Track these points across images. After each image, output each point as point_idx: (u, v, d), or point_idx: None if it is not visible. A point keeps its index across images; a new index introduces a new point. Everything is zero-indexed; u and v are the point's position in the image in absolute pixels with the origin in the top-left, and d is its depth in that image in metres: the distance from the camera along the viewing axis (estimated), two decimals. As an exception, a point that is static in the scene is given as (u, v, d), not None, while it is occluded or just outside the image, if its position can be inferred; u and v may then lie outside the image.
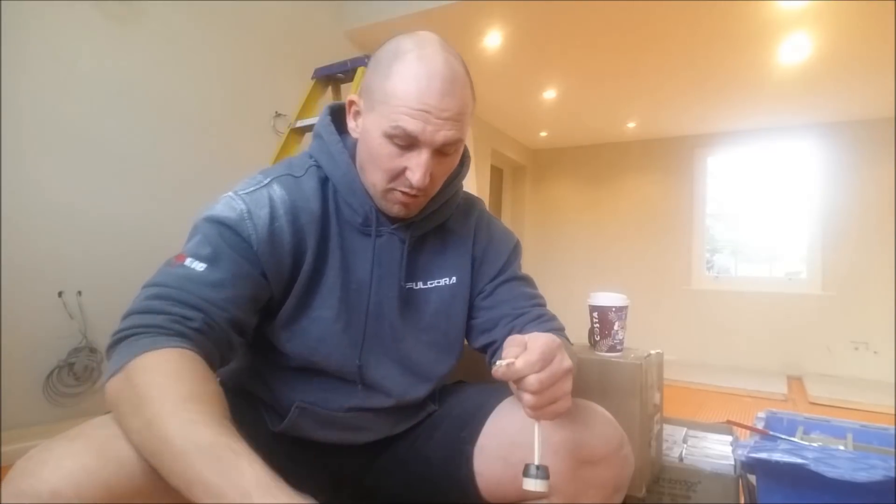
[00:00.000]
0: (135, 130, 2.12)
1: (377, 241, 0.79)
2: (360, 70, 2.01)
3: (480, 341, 0.87)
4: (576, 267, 5.28)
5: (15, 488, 0.48)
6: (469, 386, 0.94)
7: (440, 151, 0.72)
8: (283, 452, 0.79)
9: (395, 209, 0.76)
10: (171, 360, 0.57)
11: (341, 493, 0.86)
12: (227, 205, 0.72)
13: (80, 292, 1.94)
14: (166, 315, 0.61)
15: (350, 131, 0.79)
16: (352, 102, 0.78)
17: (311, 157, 0.81)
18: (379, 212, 0.79)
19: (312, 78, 2.17)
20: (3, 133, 1.76)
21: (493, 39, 3.06)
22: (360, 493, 0.87)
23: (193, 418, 0.50)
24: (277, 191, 0.75)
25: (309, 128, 2.07)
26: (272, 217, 0.72)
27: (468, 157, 0.90)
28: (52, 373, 1.87)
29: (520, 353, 0.59)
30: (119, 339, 0.60)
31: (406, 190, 0.73)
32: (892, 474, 0.88)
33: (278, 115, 2.67)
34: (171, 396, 0.52)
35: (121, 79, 2.07)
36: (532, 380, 0.57)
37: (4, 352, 1.75)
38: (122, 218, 2.08)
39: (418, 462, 0.84)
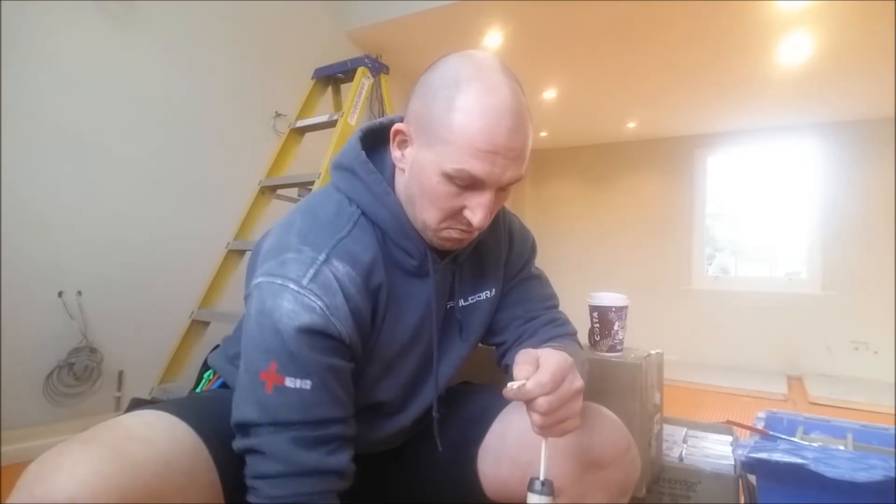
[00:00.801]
0: (135, 130, 2.12)
1: (434, 280, 0.75)
2: (360, 70, 2.01)
3: (491, 340, 0.87)
4: (576, 267, 5.28)
5: (28, 494, 0.47)
6: (474, 387, 0.94)
7: (501, 188, 0.67)
8: None
9: (446, 245, 0.71)
10: None
11: (347, 496, 0.86)
12: (301, 303, 0.63)
13: (80, 292, 1.94)
14: (320, 476, 0.62)
15: (395, 161, 0.71)
16: (398, 132, 0.69)
17: (349, 200, 0.73)
18: (431, 251, 0.74)
19: (312, 78, 2.17)
20: (3, 133, 1.76)
21: (493, 39, 3.06)
22: (366, 495, 0.87)
23: None
24: (340, 268, 0.66)
25: (309, 128, 2.07)
26: (347, 300, 0.66)
27: None
28: (52, 373, 1.87)
29: (531, 373, 0.58)
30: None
31: (463, 228, 0.68)
32: (892, 474, 0.88)
33: (278, 115, 2.67)
34: None
35: (121, 79, 2.07)
36: (542, 402, 0.57)
37: (4, 352, 1.75)
38: (122, 218, 2.08)
39: (424, 463, 0.84)
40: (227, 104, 2.47)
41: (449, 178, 0.64)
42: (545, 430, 0.59)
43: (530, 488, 0.59)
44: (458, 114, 0.62)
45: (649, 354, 1.22)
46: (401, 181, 0.72)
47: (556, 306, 0.89)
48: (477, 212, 0.65)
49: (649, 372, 1.18)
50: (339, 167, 0.75)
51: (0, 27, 1.73)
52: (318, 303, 0.63)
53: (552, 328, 0.83)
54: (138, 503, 0.50)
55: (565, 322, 0.86)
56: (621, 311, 1.21)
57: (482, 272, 0.83)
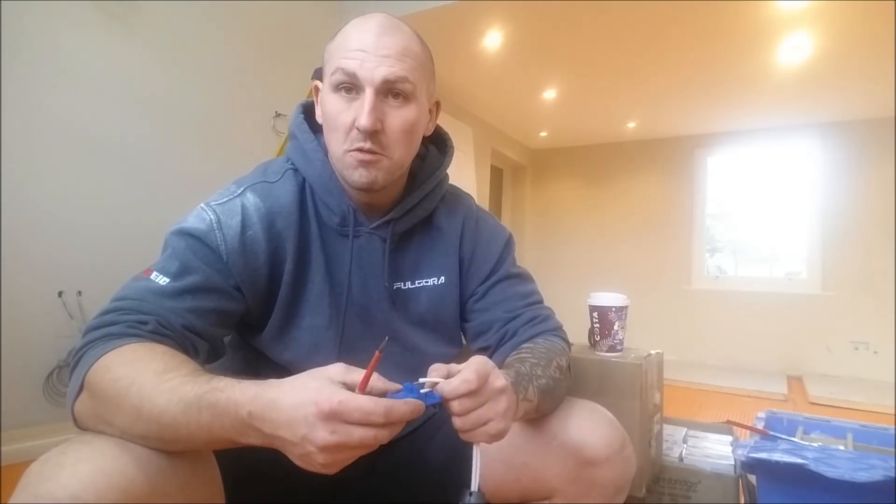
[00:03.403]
0: (135, 130, 2.12)
1: (356, 243, 0.77)
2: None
3: (477, 344, 0.86)
4: (576, 267, 5.27)
5: (32, 492, 0.47)
6: None
7: (388, 93, 0.70)
8: (285, 456, 0.80)
9: (356, 175, 0.71)
10: (129, 351, 0.57)
11: (342, 495, 0.86)
12: (198, 216, 0.71)
13: (80, 292, 1.94)
14: (119, 324, 0.60)
15: (318, 119, 0.77)
16: (316, 88, 0.77)
17: (287, 159, 0.79)
18: (357, 210, 0.77)
19: (312, 78, 2.17)
20: (2, 133, 1.76)
21: (493, 39, 3.06)
22: (360, 496, 0.87)
23: (175, 385, 0.52)
24: (251, 199, 0.73)
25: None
26: (244, 226, 0.71)
27: (451, 146, 0.87)
28: (52, 373, 1.87)
29: (445, 374, 0.56)
30: (78, 359, 0.59)
31: (360, 145, 0.69)
32: (892, 474, 0.88)
33: (278, 115, 2.67)
34: (147, 377, 0.53)
35: (121, 79, 2.07)
36: (454, 404, 0.55)
37: (4, 352, 1.75)
38: (122, 218, 2.07)
39: (418, 464, 0.84)
40: (227, 104, 2.47)
41: (335, 88, 0.70)
42: (466, 433, 0.57)
43: (462, 500, 0.57)
44: (337, 37, 0.72)
45: (649, 354, 1.22)
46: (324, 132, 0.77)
47: (539, 303, 0.87)
48: (361, 113, 0.68)
49: (649, 372, 1.18)
50: (288, 135, 0.82)
51: (0, 27, 1.73)
52: (211, 216, 0.70)
53: (532, 327, 0.82)
54: (142, 499, 0.50)
55: (546, 318, 0.85)
56: (621, 311, 1.21)
57: (431, 256, 0.83)
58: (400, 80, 0.69)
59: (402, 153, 0.74)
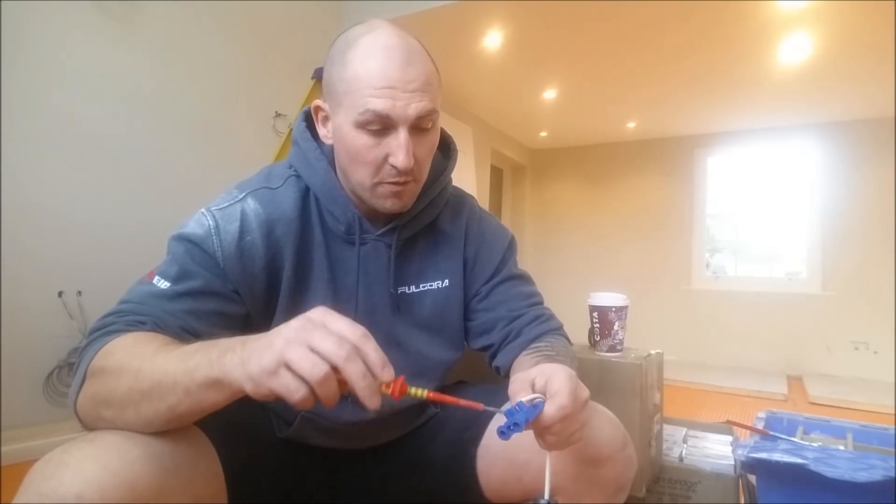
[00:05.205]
0: (135, 130, 2.12)
1: (362, 250, 0.77)
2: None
3: (479, 343, 0.87)
4: (576, 267, 5.28)
5: (36, 491, 0.47)
6: (471, 386, 0.94)
7: (417, 127, 0.69)
8: (290, 456, 0.80)
9: (388, 204, 0.72)
10: (131, 337, 0.58)
11: (346, 495, 0.86)
12: (197, 221, 0.71)
13: (79, 292, 1.94)
14: (119, 323, 0.62)
15: (322, 139, 0.76)
16: (317, 108, 0.75)
17: (290, 166, 0.79)
18: (362, 218, 0.77)
19: (312, 78, 2.17)
20: (2, 133, 1.76)
21: (493, 39, 3.06)
22: (364, 496, 0.87)
23: (172, 348, 0.54)
24: (251, 204, 0.73)
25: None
26: (242, 232, 0.71)
27: (455, 150, 0.88)
28: (52, 373, 1.87)
29: (524, 391, 0.57)
30: (80, 357, 0.59)
31: (394, 179, 0.70)
32: (892, 474, 0.88)
33: (278, 115, 2.67)
34: (146, 351, 0.54)
35: (121, 79, 2.07)
36: (557, 427, 0.56)
37: (4, 352, 1.75)
38: (122, 218, 2.08)
39: (422, 464, 0.84)
40: (227, 104, 2.47)
41: (361, 126, 0.67)
42: (555, 446, 0.58)
43: None
44: (352, 64, 0.67)
45: (649, 354, 1.22)
46: (335, 155, 0.77)
47: (541, 303, 0.88)
48: (398, 154, 0.67)
49: (649, 372, 1.18)
50: (291, 141, 0.81)
51: (0, 27, 1.73)
52: (210, 222, 0.71)
53: (536, 326, 0.83)
54: (147, 497, 0.50)
55: (550, 317, 0.86)
56: (621, 311, 1.21)
57: (435, 260, 0.83)
58: (429, 113, 0.69)
59: (426, 173, 0.76)
